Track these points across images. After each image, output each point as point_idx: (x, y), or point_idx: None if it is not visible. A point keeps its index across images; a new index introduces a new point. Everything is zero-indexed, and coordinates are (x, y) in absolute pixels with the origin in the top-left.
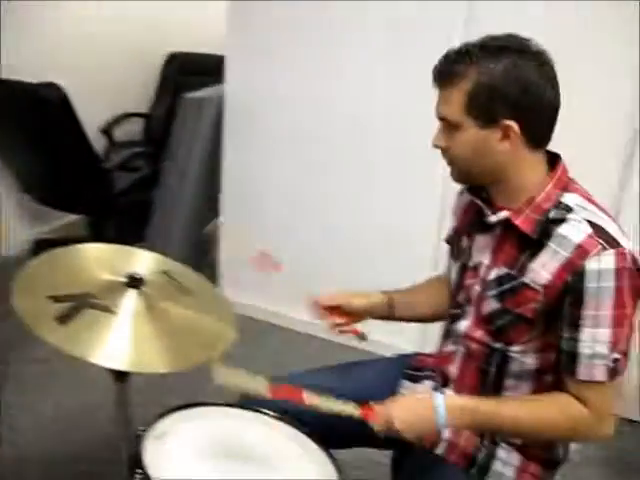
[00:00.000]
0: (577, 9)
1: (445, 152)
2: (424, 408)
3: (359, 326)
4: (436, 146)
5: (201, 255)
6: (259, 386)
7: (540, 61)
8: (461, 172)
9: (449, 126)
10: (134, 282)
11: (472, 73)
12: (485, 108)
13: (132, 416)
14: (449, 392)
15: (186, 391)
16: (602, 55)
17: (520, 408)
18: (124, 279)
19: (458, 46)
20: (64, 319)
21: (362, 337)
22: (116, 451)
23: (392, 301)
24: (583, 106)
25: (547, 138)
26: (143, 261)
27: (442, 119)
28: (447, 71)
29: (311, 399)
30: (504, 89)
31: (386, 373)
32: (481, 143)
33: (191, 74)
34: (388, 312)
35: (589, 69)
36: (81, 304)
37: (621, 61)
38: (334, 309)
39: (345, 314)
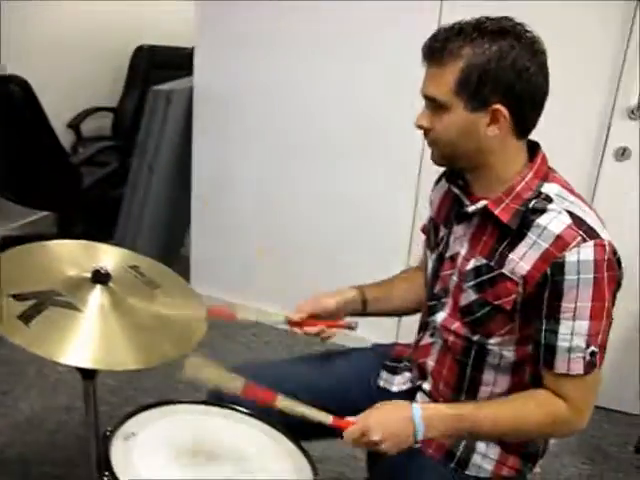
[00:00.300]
0: None
1: (428, 133)
2: (401, 420)
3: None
4: (419, 127)
5: (172, 251)
6: (232, 383)
7: (535, 47)
8: (443, 155)
9: (436, 106)
10: (100, 278)
11: (466, 53)
12: (476, 90)
13: (103, 416)
14: (424, 401)
15: (161, 390)
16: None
17: (498, 409)
18: (90, 275)
19: (451, 24)
20: (27, 317)
21: (353, 327)
22: (87, 452)
23: (364, 296)
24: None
25: (533, 126)
26: (110, 256)
27: (429, 98)
28: (439, 48)
29: (284, 403)
30: (498, 72)
31: (364, 364)
32: (468, 126)
33: (160, 67)
34: (361, 308)
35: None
36: (45, 302)
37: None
38: (309, 319)
39: (322, 319)
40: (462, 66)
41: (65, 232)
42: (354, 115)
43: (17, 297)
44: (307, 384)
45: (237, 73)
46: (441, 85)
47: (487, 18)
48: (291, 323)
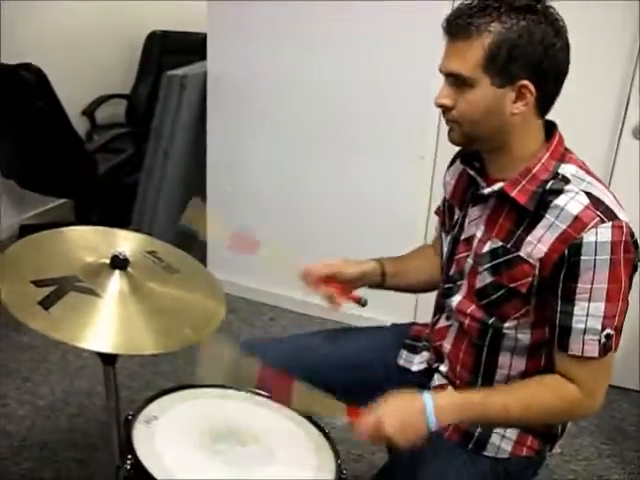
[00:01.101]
0: None
1: (449, 112)
2: (413, 413)
3: (357, 292)
4: (440, 105)
5: (188, 236)
6: (248, 370)
7: (558, 24)
8: (464, 134)
9: (459, 83)
10: (119, 263)
11: (494, 28)
12: (505, 66)
13: (123, 401)
14: (441, 382)
15: (179, 374)
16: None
17: (510, 396)
18: (108, 260)
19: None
20: (47, 303)
21: (363, 303)
22: (108, 436)
23: (384, 268)
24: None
25: (553, 104)
26: (128, 242)
27: (452, 75)
28: (466, 23)
29: (299, 393)
30: (527, 48)
31: (383, 341)
32: (494, 103)
33: (173, 53)
34: (380, 280)
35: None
36: (65, 288)
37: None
38: (327, 279)
39: (338, 283)
40: (490, 41)
41: (82, 219)
42: (368, 98)
43: (37, 283)
44: (325, 357)
45: (250, 58)
46: (467, 60)
47: None
48: (307, 277)
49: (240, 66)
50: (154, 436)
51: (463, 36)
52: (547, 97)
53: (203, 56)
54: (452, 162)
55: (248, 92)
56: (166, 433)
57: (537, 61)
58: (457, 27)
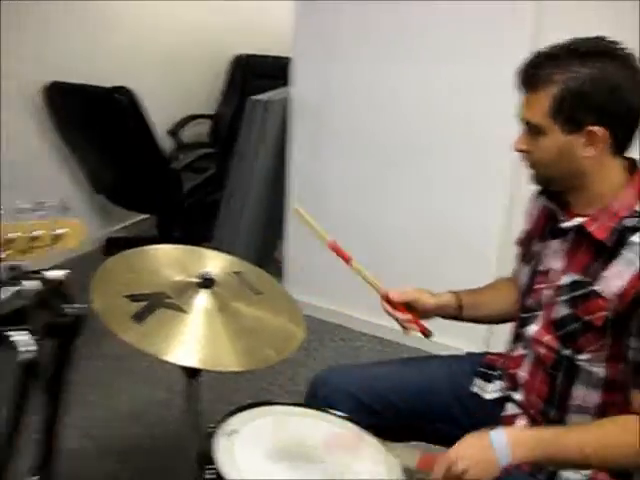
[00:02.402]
0: None
1: (527, 156)
2: (482, 449)
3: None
4: (519, 150)
5: (266, 254)
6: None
7: (628, 65)
8: (542, 176)
9: (533, 130)
10: (206, 282)
11: (560, 77)
12: (571, 114)
13: (201, 412)
14: (514, 412)
15: (252, 389)
16: None
17: (584, 435)
18: (196, 279)
19: (544, 49)
20: (139, 318)
21: (428, 334)
22: (186, 447)
23: (460, 301)
24: None
25: (630, 143)
26: (215, 262)
27: (526, 122)
28: (533, 75)
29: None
30: (592, 95)
31: (457, 369)
32: (565, 148)
33: (257, 76)
34: (456, 312)
35: None
36: (155, 303)
37: None
38: (401, 304)
39: (412, 310)
40: (556, 91)
41: (164, 234)
42: (450, 125)
43: (131, 298)
44: (400, 382)
45: (332, 83)
46: (536, 110)
47: (580, 40)
48: (386, 299)
49: (322, 91)
50: (234, 449)
51: (531, 87)
52: (619, 138)
53: (285, 80)
54: (536, 194)
55: (329, 117)
56: (245, 447)
57: (602, 106)
58: (526, 78)
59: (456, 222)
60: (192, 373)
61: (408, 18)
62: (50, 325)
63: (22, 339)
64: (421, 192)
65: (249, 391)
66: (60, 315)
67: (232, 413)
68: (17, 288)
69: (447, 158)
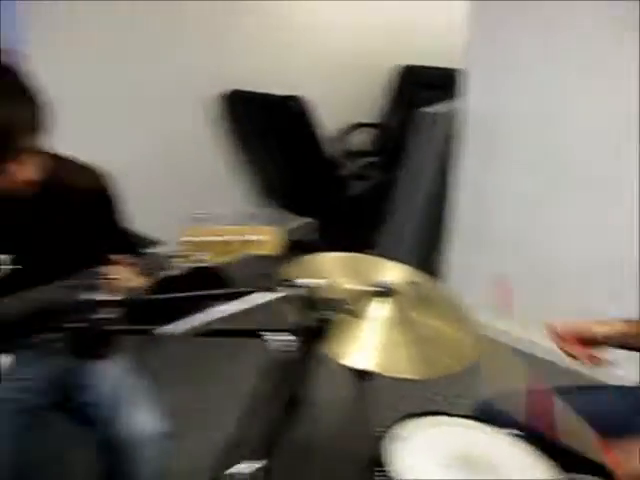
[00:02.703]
0: None
1: None
2: None
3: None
4: None
5: (428, 266)
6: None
7: None
8: None
9: None
10: (385, 291)
11: None
12: None
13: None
14: None
15: (417, 398)
16: None
17: None
18: (375, 288)
19: None
20: None
21: (602, 364)
22: (352, 448)
23: (633, 330)
24: None
25: None
26: (392, 272)
27: None
28: None
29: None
30: None
31: (635, 398)
32: None
33: (422, 87)
34: (627, 341)
35: None
36: (338, 309)
37: None
38: (571, 336)
39: (583, 341)
40: None
41: (326, 239)
42: (619, 143)
43: None
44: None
45: (507, 97)
46: None
47: None
48: (555, 333)
49: (496, 105)
50: (404, 454)
51: None
52: None
53: (450, 91)
54: None
55: (503, 132)
56: (416, 453)
57: None
58: None
59: (630, 255)
60: (364, 377)
61: (594, 27)
62: (307, 328)
63: (282, 338)
64: (590, 212)
65: (412, 399)
66: (319, 320)
67: (404, 419)
68: (282, 294)
69: (622, 187)
